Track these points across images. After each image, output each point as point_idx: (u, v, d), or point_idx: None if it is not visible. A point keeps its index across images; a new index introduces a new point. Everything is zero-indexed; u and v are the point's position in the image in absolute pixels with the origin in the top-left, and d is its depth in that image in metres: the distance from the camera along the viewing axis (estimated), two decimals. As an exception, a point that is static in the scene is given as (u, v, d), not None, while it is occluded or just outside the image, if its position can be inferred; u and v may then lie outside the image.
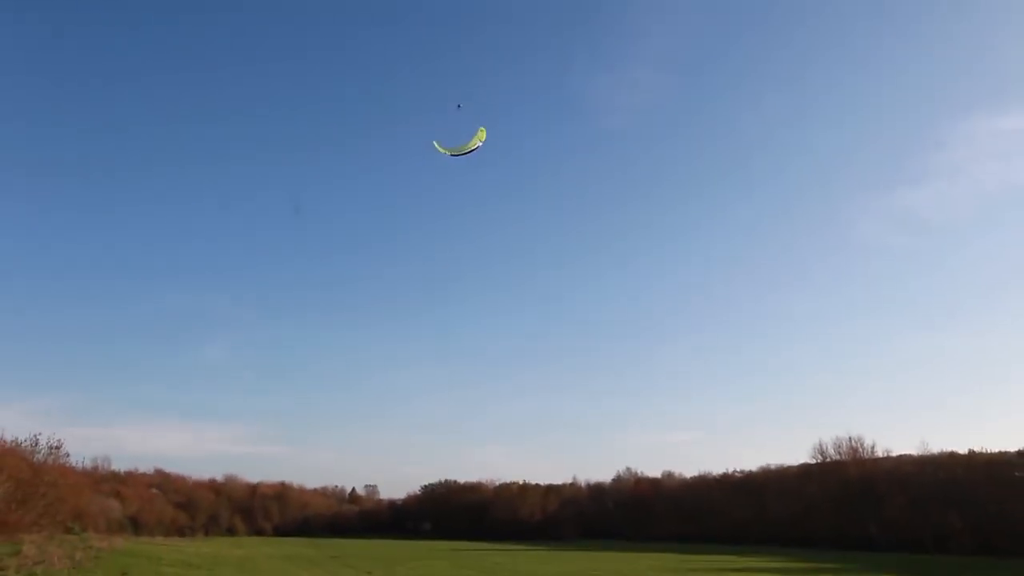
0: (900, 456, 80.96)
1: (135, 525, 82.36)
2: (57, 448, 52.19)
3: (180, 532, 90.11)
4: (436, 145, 23.53)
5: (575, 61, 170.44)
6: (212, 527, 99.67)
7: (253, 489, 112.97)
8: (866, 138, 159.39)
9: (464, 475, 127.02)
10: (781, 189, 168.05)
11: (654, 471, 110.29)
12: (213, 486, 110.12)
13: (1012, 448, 71.42)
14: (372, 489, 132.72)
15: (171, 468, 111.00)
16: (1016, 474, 66.16)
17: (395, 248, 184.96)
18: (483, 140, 23.34)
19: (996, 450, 72.89)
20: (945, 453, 76.52)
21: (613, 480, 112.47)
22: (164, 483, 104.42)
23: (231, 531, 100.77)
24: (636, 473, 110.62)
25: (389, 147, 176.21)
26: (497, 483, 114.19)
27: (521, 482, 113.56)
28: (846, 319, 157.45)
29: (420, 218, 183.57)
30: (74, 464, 66.22)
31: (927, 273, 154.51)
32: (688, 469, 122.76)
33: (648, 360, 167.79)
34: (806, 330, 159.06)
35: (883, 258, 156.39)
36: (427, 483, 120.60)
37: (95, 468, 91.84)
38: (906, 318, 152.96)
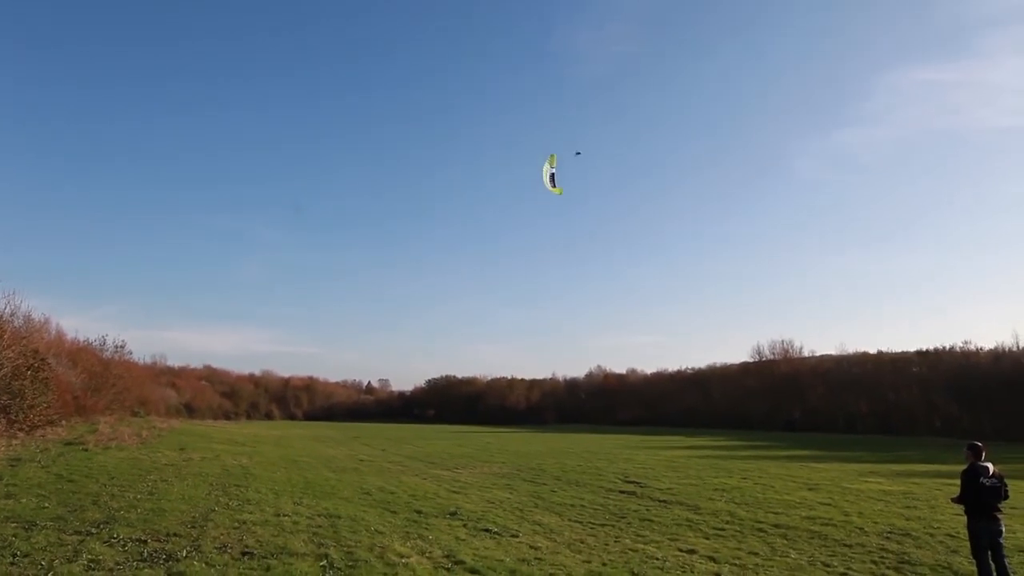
0: (822, 356, 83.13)
1: (189, 410, 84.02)
2: (122, 347, 53.14)
3: (226, 416, 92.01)
4: (551, 186, 20.28)
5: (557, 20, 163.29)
6: (253, 413, 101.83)
7: (286, 382, 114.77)
8: (806, 86, 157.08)
9: (462, 370, 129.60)
10: (734, 128, 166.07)
11: (620, 368, 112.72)
12: (252, 379, 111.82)
13: (911, 349, 73.76)
14: (385, 382, 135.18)
15: (217, 364, 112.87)
16: (913, 370, 68.46)
17: (399, 181, 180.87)
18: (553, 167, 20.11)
19: (899, 350, 75.10)
20: (859, 353, 78.70)
21: (586, 376, 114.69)
22: (212, 376, 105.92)
23: (268, 416, 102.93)
24: (605, 370, 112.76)
25: (394, 74, 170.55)
26: (489, 377, 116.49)
27: (509, 376, 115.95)
28: (783, 241, 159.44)
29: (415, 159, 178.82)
30: (137, 360, 67.53)
31: (854, 203, 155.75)
32: (648, 366, 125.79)
33: (617, 276, 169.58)
34: (749, 250, 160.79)
35: (819, 191, 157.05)
36: (431, 377, 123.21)
37: (154, 364, 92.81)
38: (833, 241, 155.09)
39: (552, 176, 20.23)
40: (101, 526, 10.95)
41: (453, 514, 14.23)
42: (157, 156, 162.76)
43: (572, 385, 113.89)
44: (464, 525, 13.03)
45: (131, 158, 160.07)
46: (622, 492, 18.81)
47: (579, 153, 20.81)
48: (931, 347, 70.84)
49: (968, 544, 9.37)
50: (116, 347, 51.89)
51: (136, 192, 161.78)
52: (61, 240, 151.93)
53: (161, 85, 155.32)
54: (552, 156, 20.28)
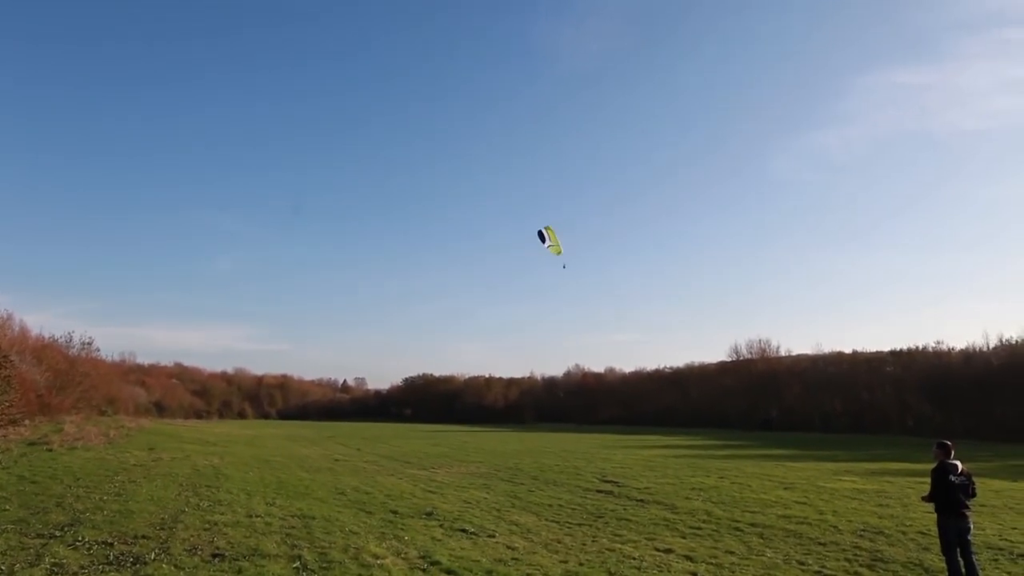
0: (799, 355, 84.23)
1: (159, 409, 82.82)
2: (89, 344, 52.13)
3: (197, 415, 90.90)
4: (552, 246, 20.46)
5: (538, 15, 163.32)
6: (225, 411, 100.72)
7: (259, 380, 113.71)
8: (781, 87, 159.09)
9: (439, 369, 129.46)
10: (710, 128, 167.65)
11: (599, 367, 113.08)
12: (225, 377, 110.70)
13: (886, 348, 75.06)
14: (361, 380, 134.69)
15: (189, 362, 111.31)
16: (887, 369, 69.76)
17: (382, 174, 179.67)
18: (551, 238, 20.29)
19: (874, 350, 76.35)
20: (834, 352, 79.67)
21: (564, 374, 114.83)
22: (183, 374, 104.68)
23: (241, 415, 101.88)
24: (583, 368, 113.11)
25: (373, 69, 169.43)
26: (467, 376, 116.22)
27: (487, 375, 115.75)
28: (761, 241, 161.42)
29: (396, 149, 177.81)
30: (104, 357, 66.41)
31: (829, 203, 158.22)
32: (627, 365, 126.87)
33: (596, 274, 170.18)
34: (727, 249, 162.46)
35: (794, 190, 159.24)
36: (408, 376, 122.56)
37: (123, 361, 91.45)
38: (809, 241, 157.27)
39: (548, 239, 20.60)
40: (65, 529, 10.75)
41: (429, 514, 14.20)
42: (126, 150, 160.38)
43: (550, 384, 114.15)
44: (440, 525, 13.01)
45: (100, 152, 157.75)
46: (600, 492, 18.90)
47: (565, 267, 21.24)
48: (904, 347, 72.18)
49: (938, 541, 9.59)
50: (83, 344, 51.00)
51: (105, 186, 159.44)
52: (26, 234, 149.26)
53: (129, 79, 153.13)
54: (551, 233, 20.64)
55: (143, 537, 10.46)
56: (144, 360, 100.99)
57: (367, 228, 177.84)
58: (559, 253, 20.68)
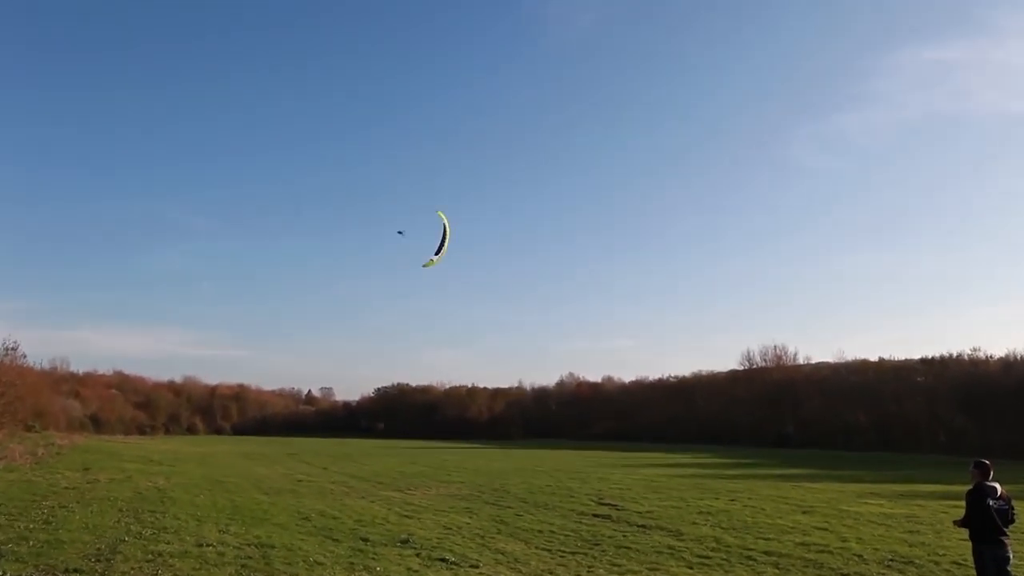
0: (818, 363, 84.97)
1: (96, 424, 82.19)
2: (13, 349, 51.45)
3: (140, 431, 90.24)
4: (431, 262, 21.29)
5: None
6: (172, 426, 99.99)
7: (212, 390, 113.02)
8: (799, 65, 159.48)
9: (416, 378, 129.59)
10: (718, 110, 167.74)
11: (594, 376, 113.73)
12: (172, 387, 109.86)
13: (916, 356, 75.78)
14: (328, 391, 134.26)
15: (130, 370, 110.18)
16: (917, 379, 70.51)
17: (350, 159, 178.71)
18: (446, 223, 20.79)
19: (902, 357, 77.10)
20: (858, 360, 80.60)
21: (556, 384, 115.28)
22: (123, 384, 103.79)
23: (191, 430, 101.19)
24: (577, 377, 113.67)
25: (339, 42, 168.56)
26: (447, 386, 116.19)
27: (470, 385, 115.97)
28: (776, 236, 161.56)
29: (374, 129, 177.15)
30: (32, 365, 65.52)
31: (852, 194, 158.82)
32: (626, 374, 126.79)
33: (591, 271, 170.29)
34: (738, 246, 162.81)
35: (813, 178, 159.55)
36: (380, 386, 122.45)
37: (54, 369, 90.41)
38: (829, 235, 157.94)
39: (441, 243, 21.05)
40: (-14, 561, 10.60)
41: (405, 542, 14.14)
42: (57, 127, 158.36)
43: (541, 394, 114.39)
44: (417, 554, 12.96)
45: (24, 127, 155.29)
46: (596, 516, 18.93)
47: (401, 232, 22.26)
48: (936, 354, 73.01)
49: (974, 573, 9.66)
50: (7, 349, 50.33)
51: (30, 167, 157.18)
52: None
53: (60, 56, 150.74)
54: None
55: (75, 571, 10.33)
56: (79, 368, 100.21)
57: (333, 219, 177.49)
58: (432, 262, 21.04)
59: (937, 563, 13.24)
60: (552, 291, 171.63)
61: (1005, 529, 9.31)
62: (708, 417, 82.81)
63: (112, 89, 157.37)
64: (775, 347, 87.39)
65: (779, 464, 44.61)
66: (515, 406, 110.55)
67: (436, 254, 20.76)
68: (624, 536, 15.78)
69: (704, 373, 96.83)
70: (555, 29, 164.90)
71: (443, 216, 20.84)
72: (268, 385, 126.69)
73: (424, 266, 20.94)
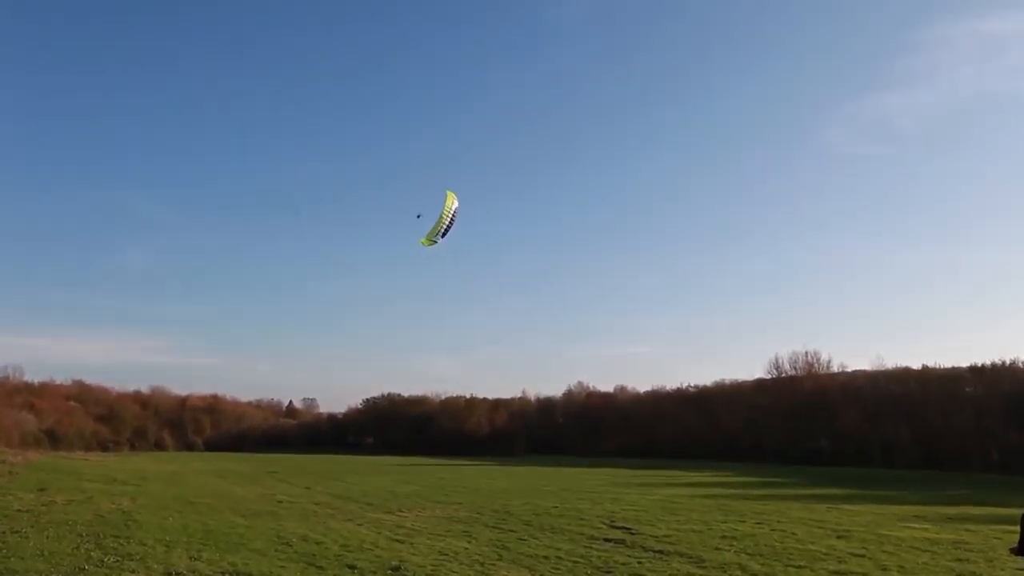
0: (855, 371, 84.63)
1: (52, 439, 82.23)
2: (-39, 357, 51.53)
3: (103, 447, 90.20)
4: (423, 241, 21.62)
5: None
6: (138, 441, 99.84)
7: (182, 402, 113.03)
8: (834, 40, 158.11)
9: (408, 388, 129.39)
10: (746, 89, 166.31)
11: (606, 385, 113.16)
12: (138, 398, 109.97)
13: (964, 363, 75.34)
14: (311, 403, 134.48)
15: (91, 379, 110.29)
16: (967, 389, 70.24)
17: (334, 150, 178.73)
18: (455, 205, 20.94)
19: (949, 365, 76.63)
20: (899, 368, 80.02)
21: (564, 394, 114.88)
22: (83, 395, 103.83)
23: (159, 445, 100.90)
24: (587, 387, 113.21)
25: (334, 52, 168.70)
26: (443, 396, 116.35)
27: (468, 395, 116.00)
28: (808, 230, 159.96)
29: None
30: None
31: (893, 184, 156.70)
32: (641, 383, 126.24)
33: (602, 273, 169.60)
34: (766, 242, 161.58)
35: (849, 167, 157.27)
36: (369, 396, 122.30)
37: (5, 379, 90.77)
38: (867, 230, 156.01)
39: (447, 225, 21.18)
40: (-70, 592, 10.58)
41: (396, 569, 14.14)
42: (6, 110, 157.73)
43: (546, 406, 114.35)
44: (409, 585, 12.94)
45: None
46: (608, 540, 18.90)
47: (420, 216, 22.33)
48: (987, 362, 72.57)
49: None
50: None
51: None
52: None
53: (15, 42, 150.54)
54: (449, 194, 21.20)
55: (31, 601, 10.30)
56: (33, 377, 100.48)
57: (318, 214, 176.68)
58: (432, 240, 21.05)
59: (989, 594, 13.18)
60: (558, 291, 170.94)
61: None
62: (732, 431, 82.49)
63: (64, 74, 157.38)
64: (806, 353, 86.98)
65: (811, 483, 44.53)
66: (518, 418, 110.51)
67: (443, 235, 20.67)
68: (639, 563, 15.74)
69: (727, 382, 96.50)
70: (578, 13, 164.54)
71: (451, 194, 20.77)
72: (245, 396, 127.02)
73: (420, 242, 20.84)
